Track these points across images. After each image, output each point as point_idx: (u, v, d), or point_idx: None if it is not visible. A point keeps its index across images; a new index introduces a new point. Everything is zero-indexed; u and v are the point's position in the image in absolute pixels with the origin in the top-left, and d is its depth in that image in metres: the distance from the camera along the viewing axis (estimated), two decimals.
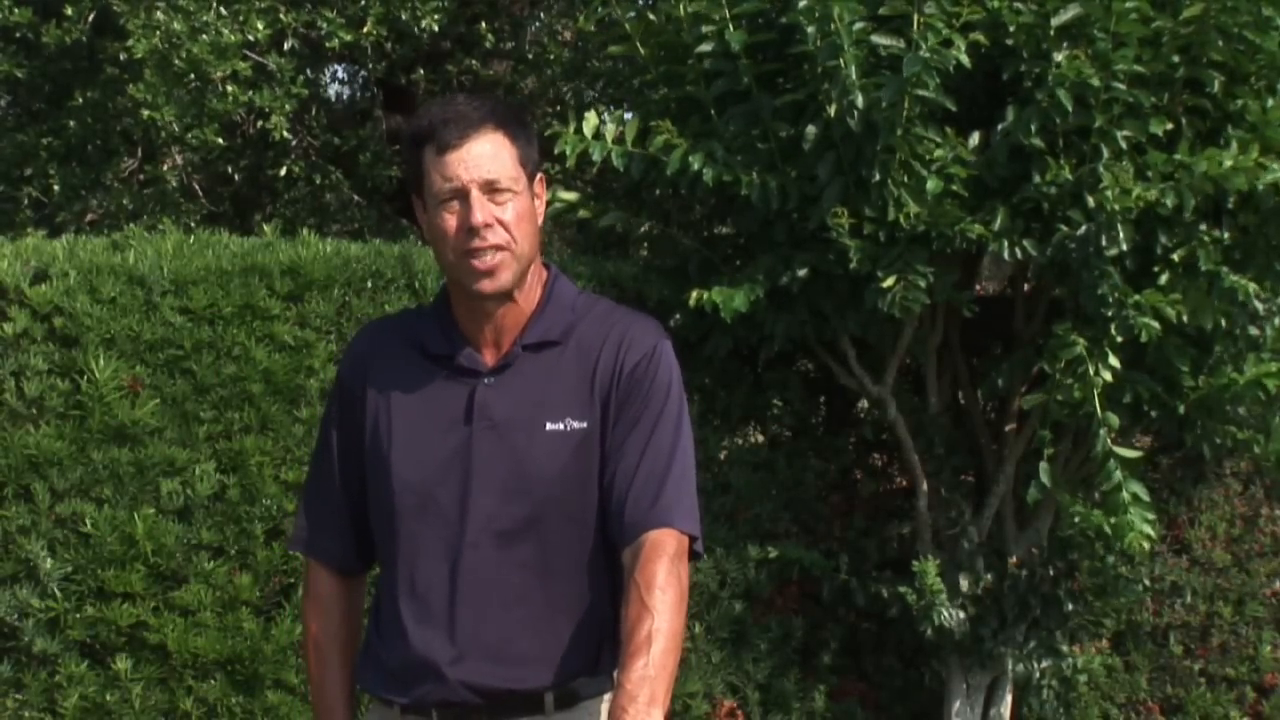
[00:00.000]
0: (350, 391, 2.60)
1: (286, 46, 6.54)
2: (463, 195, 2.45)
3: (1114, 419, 4.47)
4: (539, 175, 2.56)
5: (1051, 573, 5.03)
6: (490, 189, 2.45)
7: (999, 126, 4.43)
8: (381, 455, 2.54)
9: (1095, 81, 4.26)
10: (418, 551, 2.51)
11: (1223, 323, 4.55)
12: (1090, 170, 4.36)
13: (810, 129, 4.40)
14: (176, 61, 5.92)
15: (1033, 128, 4.34)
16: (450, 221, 2.46)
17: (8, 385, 4.36)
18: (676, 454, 2.51)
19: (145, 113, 5.99)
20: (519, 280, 2.50)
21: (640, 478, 2.47)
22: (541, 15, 7.85)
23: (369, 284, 4.58)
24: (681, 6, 4.47)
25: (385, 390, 2.55)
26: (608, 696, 2.52)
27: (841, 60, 4.26)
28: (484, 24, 7.32)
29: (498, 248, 2.45)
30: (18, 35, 6.69)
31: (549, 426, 2.49)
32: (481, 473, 2.48)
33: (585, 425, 2.49)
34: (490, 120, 2.48)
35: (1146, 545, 4.47)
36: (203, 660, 4.41)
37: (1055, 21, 4.30)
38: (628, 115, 4.88)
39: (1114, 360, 4.44)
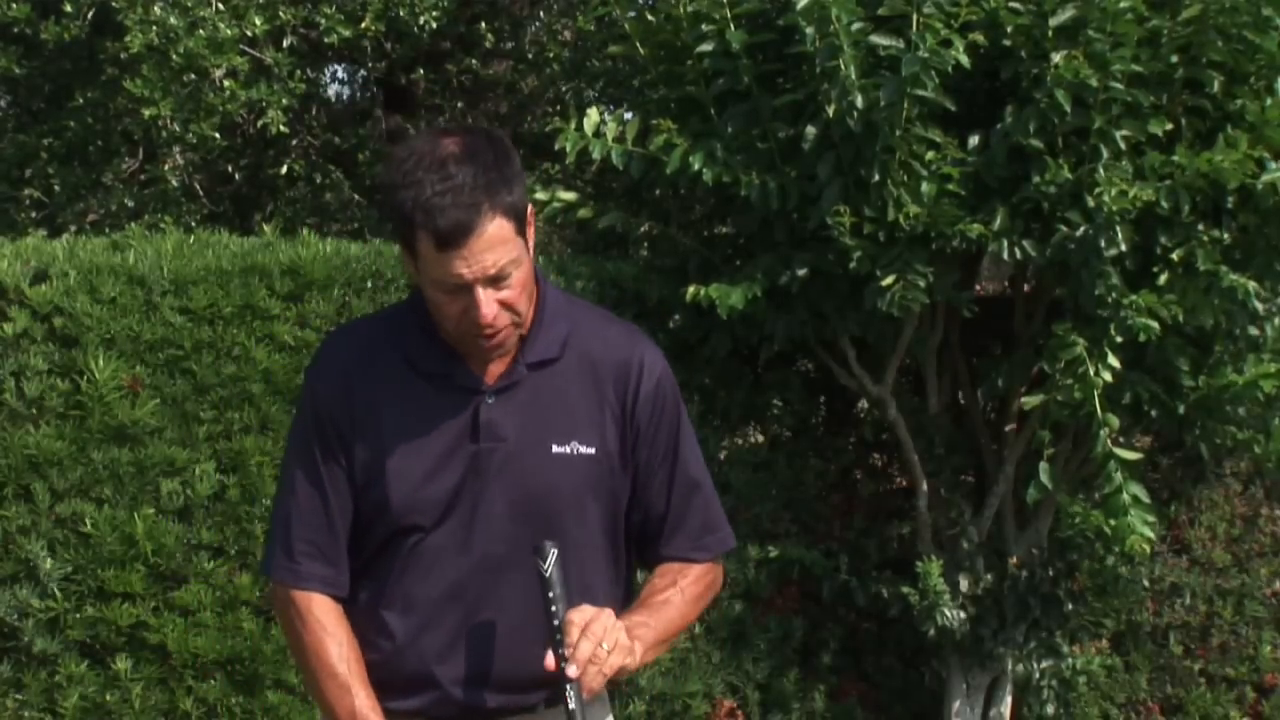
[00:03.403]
0: (331, 408, 2.47)
1: (285, 43, 6.54)
2: (466, 288, 2.35)
3: (1114, 419, 4.47)
4: (529, 209, 2.44)
5: (1051, 573, 5.03)
6: (494, 280, 2.35)
7: (998, 127, 4.43)
8: (379, 474, 2.45)
9: (1093, 82, 4.26)
10: (420, 569, 2.46)
11: (1222, 322, 4.55)
12: (1089, 170, 4.36)
13: (810, 129, 4.40)
14: (174, 57, 5.93)
15: (1031, 128, 4.34)
16: (452, 307, 2.37)
17: (8, 385, 4.36)
18: (704, 479, 2.61)
19: (145, 112, 5.99)
20: (518, 336, 2.45)
21: (683, 515, 2.57)
22: (541, 15, 7.85)
23: (369, 284, 4.58)
24: (682, 6, 4.46)
25: (376, 407, 2.45)
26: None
27: (840, 61, 4.26)
28: (484, 24, 7.32)
29: (501, 331, 2.39)
30: (16, 32, 6.69)
31: (555, 449, 2.46)
32: (489, 493, 2.44)
33: (593, 451, 2.47)
34: (486, 200, 2.31)
35: (1147, 547, 4.47)
36: (203, 660, 4.41)
37: (1053, 22, 4.30)
38: (628, 115, 4.87)
39: (1114, 360, 4.44)
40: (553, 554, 2.35)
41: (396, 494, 2.44)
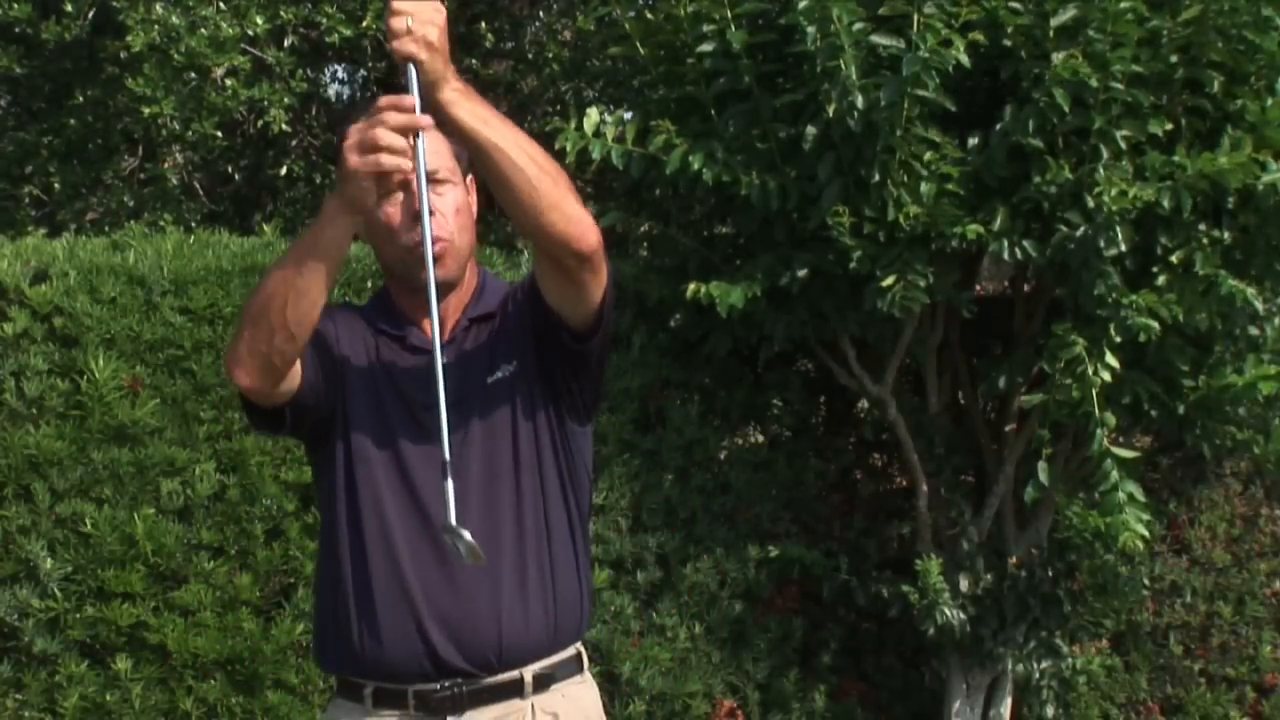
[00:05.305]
0: (322, 331, 2.55)
1: (286, 43, 6.54)
2: (405, 185, 2.47)
3: (1111, 419, 4.47)
4: (470, 175, 2.61)
5: (1051, 573, 5.03)
6: (430, 180, 2.46)
7: (998, 126, 4.43)
8: (345, 419, 2.58)
9: (1093, 82, 4.26)
10: (388, 525, 2.54)
11: (1219, 324, 4.55)
12: (1089, 170, 4.36)
13: (810, 129, 4.40)
14: (175, 55, 5.93)
15: (1030, 127, 4.34)
16: (394, 214, 2.51)
17: (8, 385, 4.36)
18: None
19: (146, 110, 5.99)
20: (460, 274, 2.58)
21: None
22: (541, 15, 7.84)
23: (369, 284, 4.58)
24: (682, 6, 4.46)
25: (349, 355, 2.60)
26: (576, 678, 2.64)
27: (841, 61, 4.26)
28: (484, 24, 7.31)
29: (440, 239, 2.50)
30: (16, 31, 6.69)
31: (489, 380, 2.58)
32: (450, 444, 2.47)
33: (515, 364, 2.58)
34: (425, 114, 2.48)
35: (1141, 545, 4.47)
36: (203, 660, 4.41)
37: (1053, 22, 4.30)
38: (627, 116, 4.88)
39: (1113, 360, 4.44)
40: None
41: (357, 447, 2.55)
